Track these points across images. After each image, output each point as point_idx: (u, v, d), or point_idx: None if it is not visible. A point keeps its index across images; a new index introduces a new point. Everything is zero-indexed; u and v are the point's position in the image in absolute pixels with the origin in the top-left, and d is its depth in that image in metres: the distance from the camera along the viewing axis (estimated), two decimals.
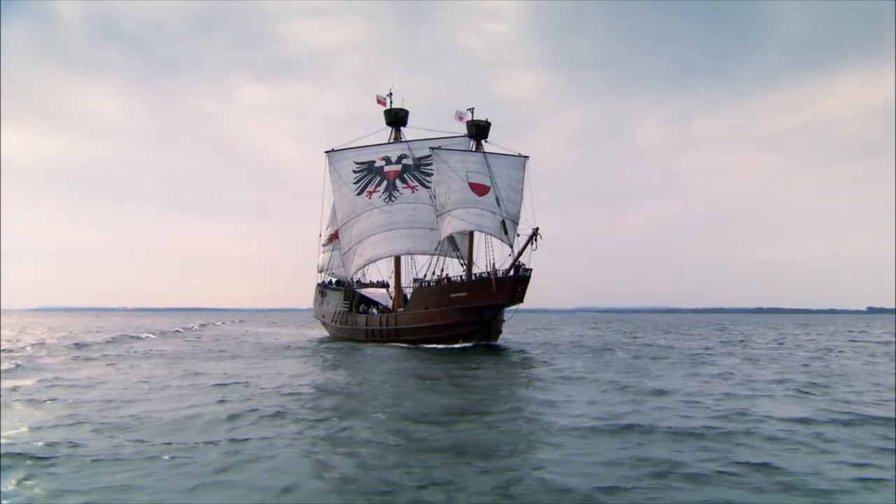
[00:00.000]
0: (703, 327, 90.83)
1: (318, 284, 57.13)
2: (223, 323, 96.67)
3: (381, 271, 53.03)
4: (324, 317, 55.37)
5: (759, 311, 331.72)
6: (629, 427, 13.85)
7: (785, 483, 9.91)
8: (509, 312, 44.97)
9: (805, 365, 30.29)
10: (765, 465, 10.89)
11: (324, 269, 56.63)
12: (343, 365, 30.24)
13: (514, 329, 72.25)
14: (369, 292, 52.77)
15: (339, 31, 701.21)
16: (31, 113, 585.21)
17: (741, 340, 52.72)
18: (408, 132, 51.94)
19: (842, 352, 39.87)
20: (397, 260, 50.92)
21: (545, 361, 31.56)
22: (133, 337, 53.52)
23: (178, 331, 68.17)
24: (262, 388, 20.10)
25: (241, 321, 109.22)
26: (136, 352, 36.81)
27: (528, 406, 17.24)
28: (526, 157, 45.92)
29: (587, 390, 20.26)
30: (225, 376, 23.71)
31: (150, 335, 57.16)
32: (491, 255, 44.84)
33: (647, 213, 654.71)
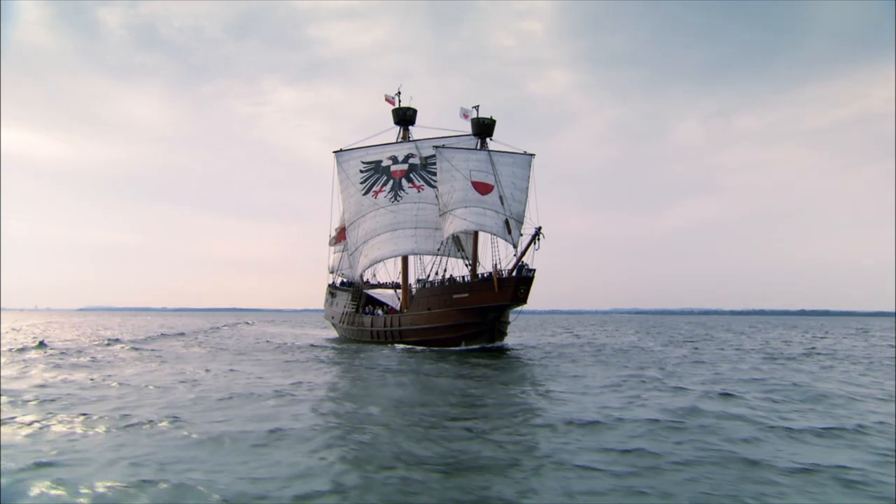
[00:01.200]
0: (771, 329, 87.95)
1: (329, 285, 57.12)
2: (248, 323, 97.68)
3: (390, 272, 52.81)
4: (333, 317, 55.28)
5: (803, 313, 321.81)
6: None
7: None
8: (514, 313, 44.11)
9: None
10: None
11: (335, 270, 56.59)
12: (310, 370, 27.42)
13: (541, 330, 71.20)
14: (377, 293, 52.48)
15: (371, 33, 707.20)
16: (75, 119, 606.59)
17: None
18: (417, 131, 51.60)
19: None
20: (405, 260, 50.47)
21: (537, 377, 30.56)
22: (162, 336, 54.37)
23: (182, 333, 69.02)
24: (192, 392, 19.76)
25: (269, 321, 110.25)
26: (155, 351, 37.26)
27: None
28: (532, 155, 44.99)
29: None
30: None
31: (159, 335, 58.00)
32: (497, 255, 43.90)
33: (686, 211, 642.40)
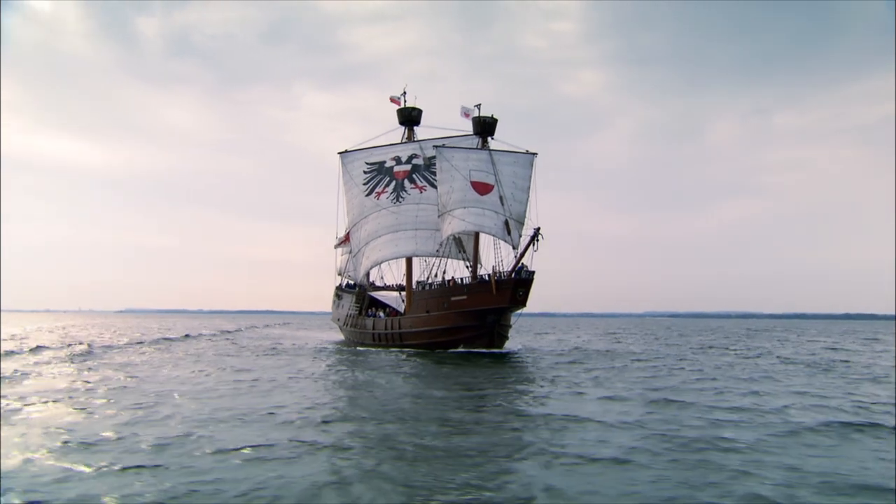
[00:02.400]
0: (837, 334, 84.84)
1: (336, 287, 56.83)
2: (273, 326, 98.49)
3: (396, 274, 52.15)
4: (339, 320, 54.96)
5: (847, 317, 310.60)
6: None
7: None
8: (514, 316, 42.91)
9: None
10: None
11: (342, 272, 56.27)
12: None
13: (560, 332, 69.86)
14: (382, 295, 51.89)
15: (401, 36, 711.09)
16: (116, 127, 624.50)
17: None
18: (422, 132, 50.92)
19: None
20: (409, 261, 49.77)
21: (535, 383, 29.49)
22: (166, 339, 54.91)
23: (183, 336, 69.54)
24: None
25: (286, 324, 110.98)
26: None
27: None
28: (534, 154, 43.90)
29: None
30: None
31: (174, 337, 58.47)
32: (499, 257, 42.97)
33: (722, 212, 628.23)
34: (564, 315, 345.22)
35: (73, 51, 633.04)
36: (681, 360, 36.71)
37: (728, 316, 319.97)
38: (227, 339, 57.60)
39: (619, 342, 56.67)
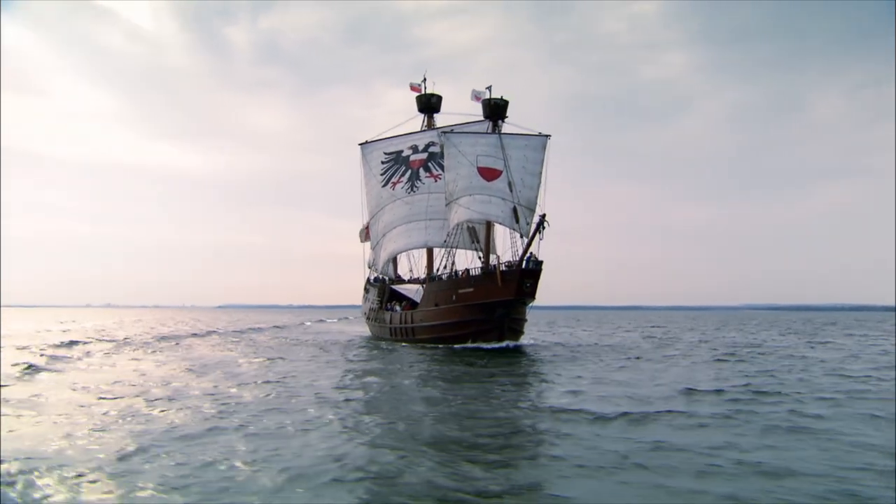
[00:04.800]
0: None
1: (366, 281, 56.11)
2: (321, 321, 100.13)
3: (419, 265, 50.79)
4: (365, 314, 54.27)
5: None
6: None
7: None
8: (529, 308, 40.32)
9: None
10: None
11: (371, 265, 55.53)
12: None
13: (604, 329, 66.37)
14: (405, 288, 50.60)
15: (476, 29, 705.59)
16: (209, 132, 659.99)
17: None
18: (442, 118, 49.25)
19: None
20: (429, 252, 48.39)
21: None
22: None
23: (255, 329, 71.11)
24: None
25: (344, 318, 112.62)
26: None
27: None
28: (547, 136, 41.01)
29: None
30: None
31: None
32: (515, 246, 40.50)
33: (827, 196, 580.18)
34: (650, 309, 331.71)
35: (172, 63, 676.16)
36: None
37: (840, 308, 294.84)
38: (279, 334, 58.66)
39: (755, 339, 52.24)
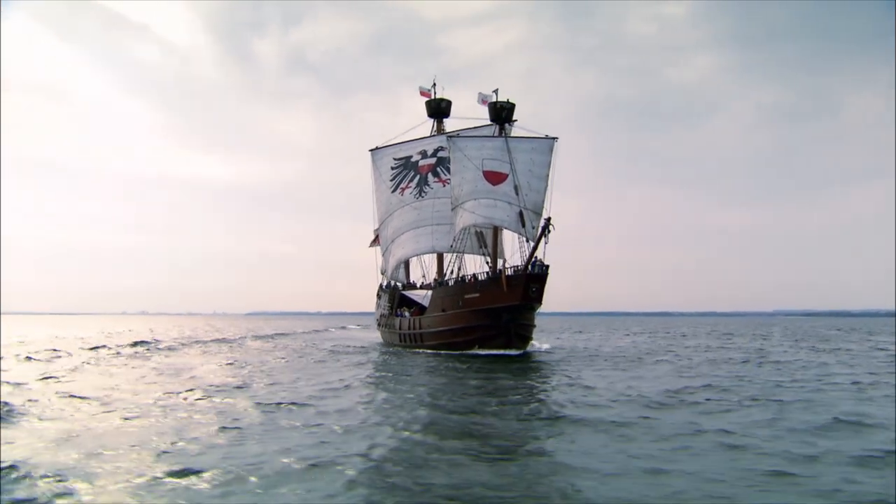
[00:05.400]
0: None
1: (379, 287, 55.98)
2: (343, 328, 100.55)
3: (429, 271, 50.52)
4: (377, 320, 54.10)
5: None
6: None
7: None
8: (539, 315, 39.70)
9: None
10: None
11: (384, 271, 55.40)
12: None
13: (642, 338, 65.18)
14: (416, 294, 50.27)
15: (501, 35, 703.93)
16: (238, 142, 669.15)
17: None
18: (451, 123, 49.00)
19: None
20: (440, 257, 48.10)
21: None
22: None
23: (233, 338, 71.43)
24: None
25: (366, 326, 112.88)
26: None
27: None
28: (554, 138, 40.35)
29: None
30: None
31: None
32: (524, 251, 39.94)
33: (864, 198, 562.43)
34: (685, 315, 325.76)
35: (205, 76, 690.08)
36: None
37: (876, 314, 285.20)
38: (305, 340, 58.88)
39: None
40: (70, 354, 35.72)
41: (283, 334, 70.07)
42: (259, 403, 17.06)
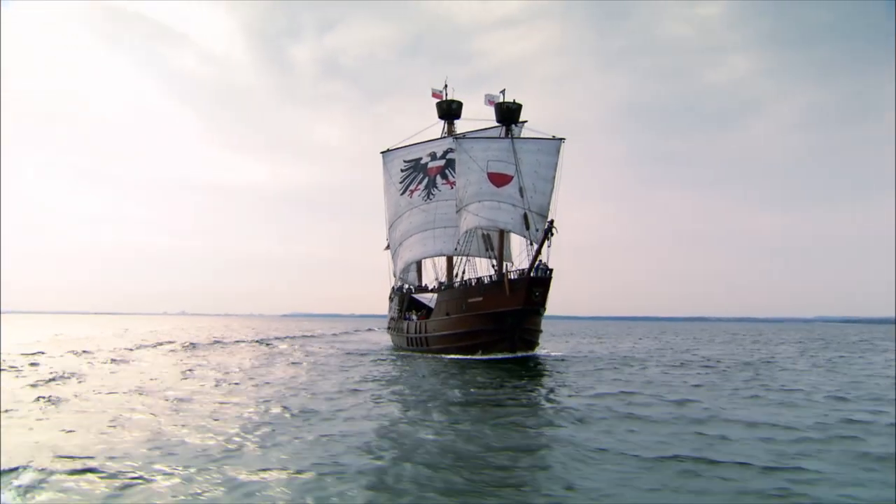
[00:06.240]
0: None
1: (391, 289, 55.73)
2: (369, 329, 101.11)
3: (441, 274, 49.97)
4: (388, 323, 53.87)
5: None
6: None
7: None
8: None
9: None
10: None
11: (396, 274, 55.16)
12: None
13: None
14: (425, 297, 49.85)
15: (533, 38, 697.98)
16: (275, 146, 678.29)
17: None
18: (462, 125, 48.48)
19: None
20: (449, 260, 47.55)
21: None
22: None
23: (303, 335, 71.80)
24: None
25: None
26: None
27: None
28: (561, 139, 39.53)
29: None
30: None
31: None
32: (530, 254, 39.15)
33: None
34: (722, 320, 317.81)
35: (242, 82, 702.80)
36: None
37: None
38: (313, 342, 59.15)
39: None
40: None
41: (282, 337, 70.63)
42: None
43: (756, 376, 27.45)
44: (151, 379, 24.41)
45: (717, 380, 25.76)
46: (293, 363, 33.27)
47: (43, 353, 37.10)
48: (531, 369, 30.43)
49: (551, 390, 22.03)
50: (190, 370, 28.23)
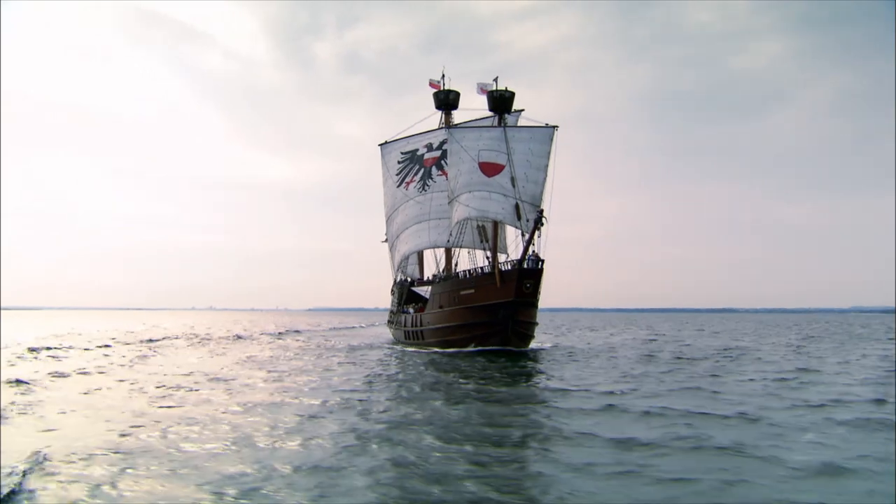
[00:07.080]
0: None
1: (393, 282, 55.31)
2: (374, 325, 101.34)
3: (441, 266, 49.36)
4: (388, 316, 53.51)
5: None
6: None
7: None
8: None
9: None
10: None
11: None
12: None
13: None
14: (425, 290, 49.29)
15: (555, 29, 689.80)
16: (295, 143, 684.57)
17: None
18: (460, 115, 47.62)
19: None
20: (448, 252, 46.87)
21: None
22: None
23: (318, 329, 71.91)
24: None
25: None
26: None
27: None
28: (554, 126, 38.47)
29: None
30: None
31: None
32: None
33: None
34: (753, 311, 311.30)
35: (265, 80, 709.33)
36: None
37: None
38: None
39: None
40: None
41: (296, 332, 70.95)
42: None
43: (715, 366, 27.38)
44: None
45: (665, 370, 25.79)
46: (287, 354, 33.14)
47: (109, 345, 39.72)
48: (497, 361, 29.67)
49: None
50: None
